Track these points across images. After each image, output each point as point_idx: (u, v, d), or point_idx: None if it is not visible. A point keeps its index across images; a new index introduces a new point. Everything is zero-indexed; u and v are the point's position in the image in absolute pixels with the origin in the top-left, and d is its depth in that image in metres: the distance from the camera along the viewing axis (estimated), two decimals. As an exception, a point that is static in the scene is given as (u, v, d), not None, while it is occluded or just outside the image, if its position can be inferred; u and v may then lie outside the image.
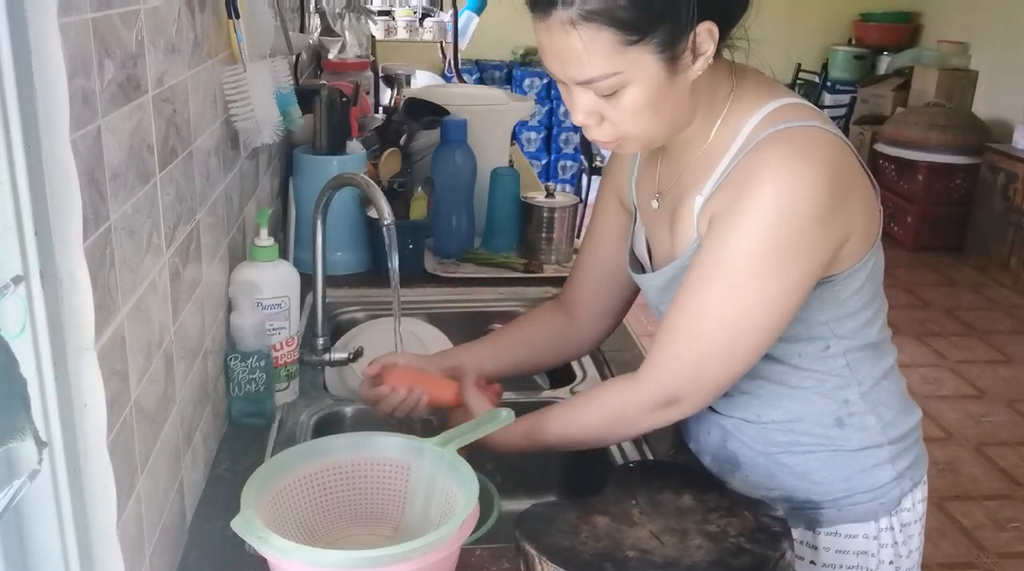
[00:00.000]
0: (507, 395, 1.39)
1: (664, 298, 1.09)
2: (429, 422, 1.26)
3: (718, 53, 0.96)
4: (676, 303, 1.00)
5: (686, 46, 0.91)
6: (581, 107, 0.96)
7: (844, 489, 1.08)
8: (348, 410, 1.39)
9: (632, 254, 1.18)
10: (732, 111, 1.00)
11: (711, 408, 1.14)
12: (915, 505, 1.11)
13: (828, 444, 1.08)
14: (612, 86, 0.92)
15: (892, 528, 1.09)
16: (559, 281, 1.88)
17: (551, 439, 1.10)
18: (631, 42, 0.89)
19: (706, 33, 0.92)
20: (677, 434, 1.27)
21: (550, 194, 1.99)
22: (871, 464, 1.08)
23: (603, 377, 1.51)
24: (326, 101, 1.78)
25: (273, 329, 1.31)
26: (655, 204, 1.11)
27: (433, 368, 1.24)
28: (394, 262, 1.26)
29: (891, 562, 1.10)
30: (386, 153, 2.00)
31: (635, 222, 1.17)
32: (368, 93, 2.74)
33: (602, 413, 1.08)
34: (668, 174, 1.09)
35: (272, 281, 1.30)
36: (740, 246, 0.95)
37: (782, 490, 1.09)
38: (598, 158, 4.53)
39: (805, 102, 1.01)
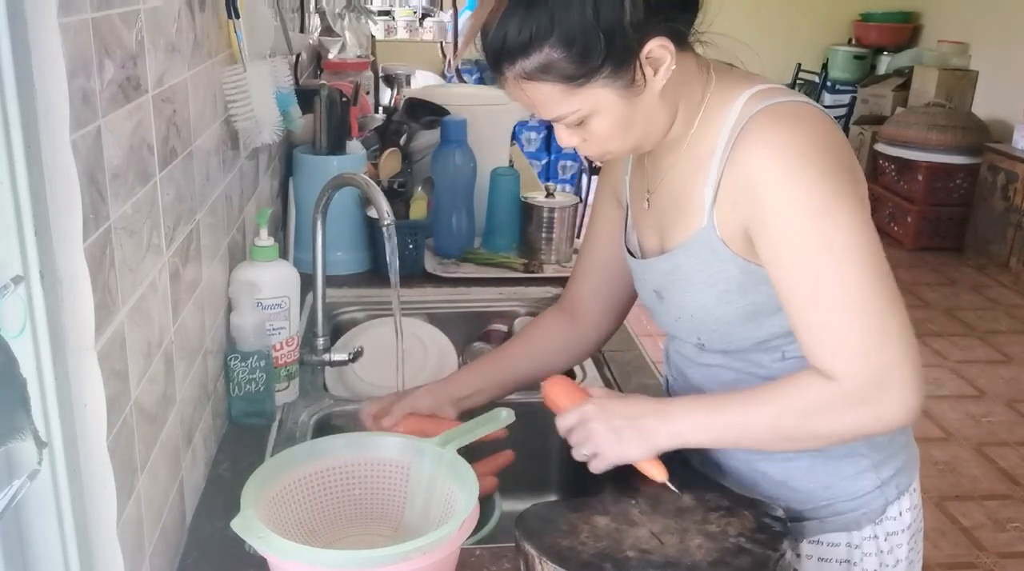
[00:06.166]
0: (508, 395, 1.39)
1: (666, 282, 1.07)
2: None
3: (686, 51, 0.98)
4: (794, 291, 0.94)
5: (638, 69, 0.93)
6: (561, 135, 1.01)
7: (825, 498, 1.07)
8: (348, 410, 1.39)
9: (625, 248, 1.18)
10: (713, 102, 1.01)
11: None
12: (902, 514, 1.09)
13: (807, 451, 1.07)
14: (577, 119, 0.97)
15: (876, 537, 1.08)
16: (559, 281, 1.88)
17: (747, 423, 0.99)
18: (578, 85, 0.93)
19: (658, 49, 0.93)
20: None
21: (550, 194, 1.99)
22: (852, 472, 1.07)
23: (603, 377, 1.51)
24: (326, 101, 1.78)
25: (273, 329, 1.31)
26: (646, 204, 1.11)
27: (435, 398, 1.23)
28: (394, 262, 1.26)
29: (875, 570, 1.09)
30: (386, 153, 2.00)
31: (627, 219, 1.17)
32: (368, 93, 2.75)
33: (802, 404, 0.96)
34: (656, 173, 1.09)
35: (272, 281, 1.30)
36: (803, 212, 0.92)
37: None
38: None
39: (787, 89, 1.02)
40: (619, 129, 0.98)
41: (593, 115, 0.96)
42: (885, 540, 1.08)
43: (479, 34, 0.95)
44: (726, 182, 0.98)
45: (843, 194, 0.92)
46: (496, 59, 0.95)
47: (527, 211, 1.97)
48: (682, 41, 0.97)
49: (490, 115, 2.10)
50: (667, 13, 0.93)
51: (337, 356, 1.48)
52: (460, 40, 1.06)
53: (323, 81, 2.31)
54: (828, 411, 0.94)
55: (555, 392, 1.12)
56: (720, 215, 0.99)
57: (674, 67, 0.94)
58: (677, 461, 1.13)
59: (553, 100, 0.95)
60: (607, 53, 0.91)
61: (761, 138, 0.94)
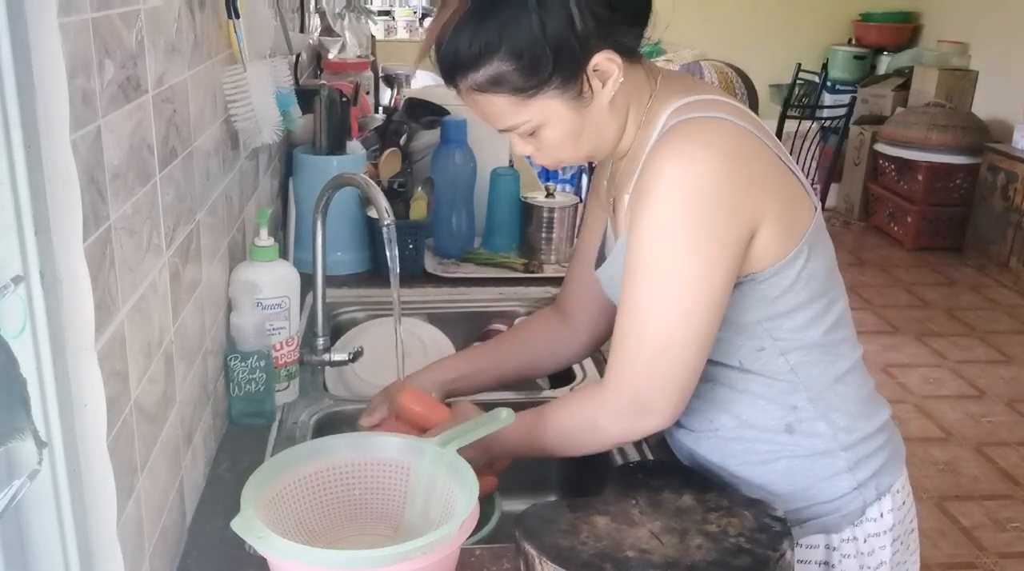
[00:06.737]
0: (507, 395, 1.40)
1: (612, 291, 1.12)
2: None
3: (635, 62, 1.00)
4: (619, 307, 1.01)
5: (585, 81, 0.96)
6: (515, 144, 1.05)
7: (806, 499, 1.08)
8: (348, 410, 1.39)
9: (602, 253, 1.20)
10: (651, 111, 1.02)
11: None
12: (883, 515, 1.09)
13: (781, 452, 1.07)
14: (528, 129, 1.00)
15: (855, 539, 1.08)
16: (559, 281, 1.87)
17: (549, 440, 1.10)
18: (528, 97, 0.96)
19: (605, 62, 0.96)
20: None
21: (550, 194, 1.99)
22: (828, 474, 1.07)
23: (603, 376, 1.51)
24: (326, 101, 1.78)
25: (273, 329, 1.31)
26: (611, 208, 1.14)
27: (417, 382, 1.26)
28: (394, 262, 1.26)
29: None
30: (386, 153, 2.00)
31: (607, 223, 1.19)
32: (368, 93, 2.75)
33: (576, 421, 1.07)
34: (617, 178, 1.12)
35: (272, 281, 1.30)
36: (649, 235, 0.96)
37: None
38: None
39: (722, 98, 1.01)
40: (569, 139, 1.00)
41: (544, 126, 0.99)
42: (865, 542, 1.08)
43: (433, 47, 0.98)
44: (634, 191, 1.01)
45: (707, 233, 0.95)
46: (449, 72, 0.98)
47: (527, 211, 1.97)
48: (630, 53, 0.99)
49: (490, 115, 2.09)
50: (614, 27, 0.95)
51: (337, 356, 1.48)
52: (418, 51, 1.08)
53: (323, 81, 2.31)
54: (597, 419, 1.04)
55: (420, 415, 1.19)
56: (628, 222, 1.03)
57: (622, 79, 0.97)
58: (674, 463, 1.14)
59: (504, 111, 0.98)
60: (555, 66, 0.93)
61: (659, 154, 0.97)
